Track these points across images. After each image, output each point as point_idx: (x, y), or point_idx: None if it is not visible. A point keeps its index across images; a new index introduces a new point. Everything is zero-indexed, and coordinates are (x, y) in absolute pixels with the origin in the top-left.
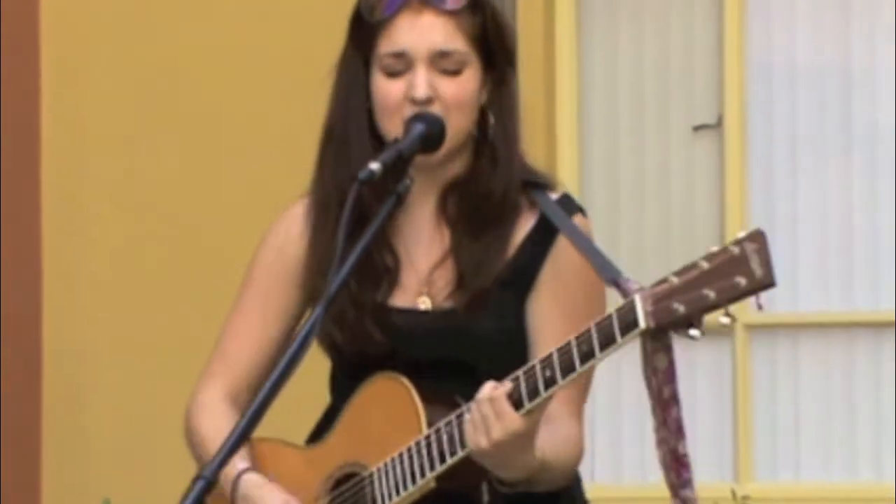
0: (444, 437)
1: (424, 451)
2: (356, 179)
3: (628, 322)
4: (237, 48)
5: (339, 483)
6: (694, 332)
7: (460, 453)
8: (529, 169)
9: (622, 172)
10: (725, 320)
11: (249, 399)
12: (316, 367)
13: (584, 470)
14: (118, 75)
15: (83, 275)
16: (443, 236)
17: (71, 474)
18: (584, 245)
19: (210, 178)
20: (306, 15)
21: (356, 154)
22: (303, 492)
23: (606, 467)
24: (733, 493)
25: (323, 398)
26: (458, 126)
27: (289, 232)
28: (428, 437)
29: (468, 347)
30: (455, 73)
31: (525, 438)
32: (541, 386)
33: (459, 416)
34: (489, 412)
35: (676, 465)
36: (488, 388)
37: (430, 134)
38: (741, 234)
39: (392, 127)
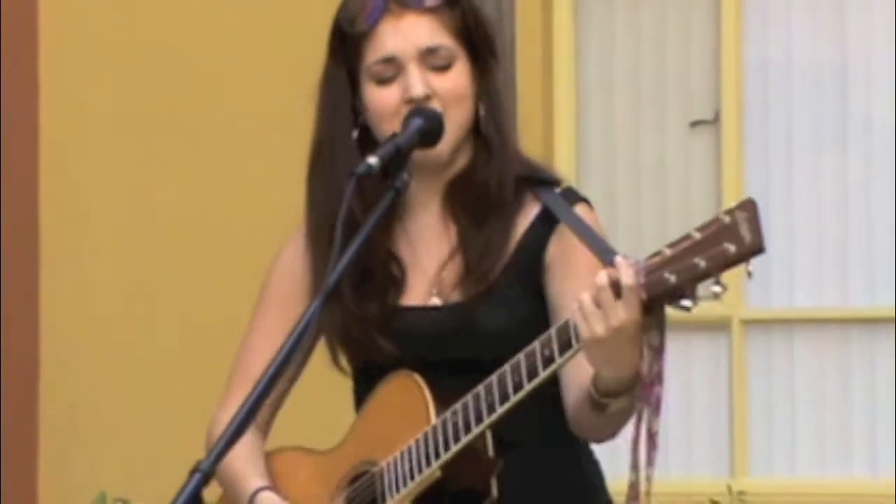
0: (450, 427)
1: (431, 442)
2: (353, 175)
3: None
4: (238, 46)
5: (353, 482)
6: (686, 302)
7: (575, 346)
8: (533, 165)
9: (619, 168)
10: (717, 289)
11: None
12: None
13: (605, 466)
14: (118, 75)
15: (80, 273)
16: (450, 234)
17: (67, 468)
18: (584, 232)
19: (210, 178)
20: (307, 15)
21: (344, 175)
22: (319, 498)
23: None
24: (729, 489)
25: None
26: (457, 120)
27: (297, 250)
28: (434, 428)
29: (477, 341)
30: (445, 68)
31: (639, 329)
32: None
33: (465, 405)
34: (608, 298)
35: (648, 444)
36: (605, 275)
37: (429, 128)
38: (733, 205)
39: (391, 132)
